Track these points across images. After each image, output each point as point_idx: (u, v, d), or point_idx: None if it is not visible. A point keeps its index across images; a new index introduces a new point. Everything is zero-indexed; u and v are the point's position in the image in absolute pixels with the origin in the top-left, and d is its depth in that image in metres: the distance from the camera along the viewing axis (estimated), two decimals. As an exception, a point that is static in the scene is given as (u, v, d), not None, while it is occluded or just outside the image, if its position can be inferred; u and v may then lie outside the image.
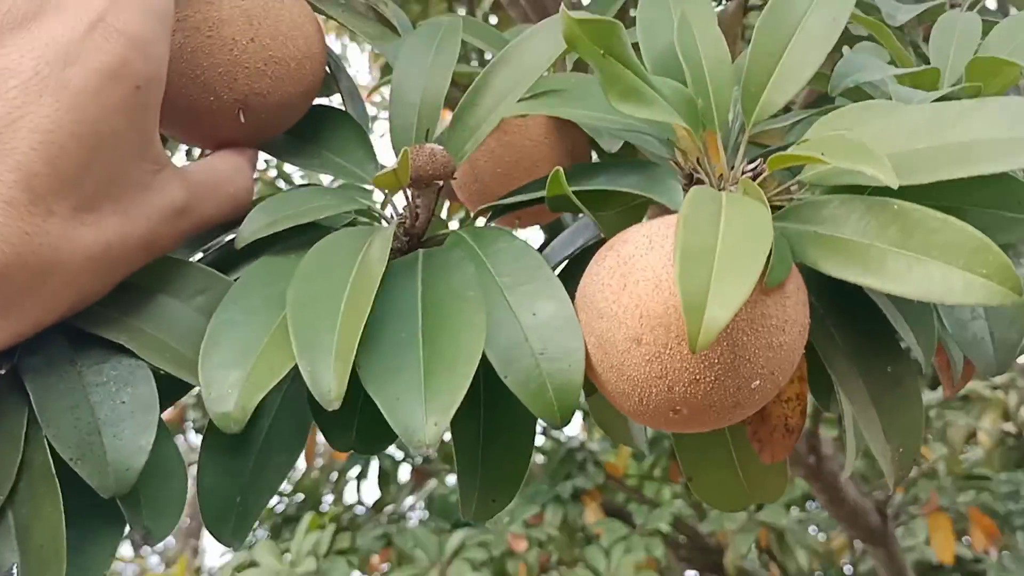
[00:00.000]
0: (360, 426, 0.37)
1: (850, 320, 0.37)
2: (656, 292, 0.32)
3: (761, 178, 0.36)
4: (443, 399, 0.30)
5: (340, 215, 0.38)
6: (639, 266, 0.33)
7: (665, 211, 0.37)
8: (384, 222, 0.40)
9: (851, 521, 1.36)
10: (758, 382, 0.33)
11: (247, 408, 0.30)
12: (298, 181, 2.22)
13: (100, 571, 0.32)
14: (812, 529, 2.62)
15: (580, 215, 0.44)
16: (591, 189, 0.36)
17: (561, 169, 0.34)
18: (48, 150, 0.29)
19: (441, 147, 0.38)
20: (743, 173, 0.36)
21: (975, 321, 0.38)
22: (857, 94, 0.42)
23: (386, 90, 0.49)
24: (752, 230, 0.31)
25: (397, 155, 0.39)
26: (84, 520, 0.32)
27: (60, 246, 0.31)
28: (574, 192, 0.35)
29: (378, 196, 0.41)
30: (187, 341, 0.34)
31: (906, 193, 0.31)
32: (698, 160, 0.37)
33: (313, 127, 0.42)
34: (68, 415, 0.32)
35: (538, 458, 2.39)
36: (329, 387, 0.29)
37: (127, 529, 0.33)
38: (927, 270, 0.31)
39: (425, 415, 0.30)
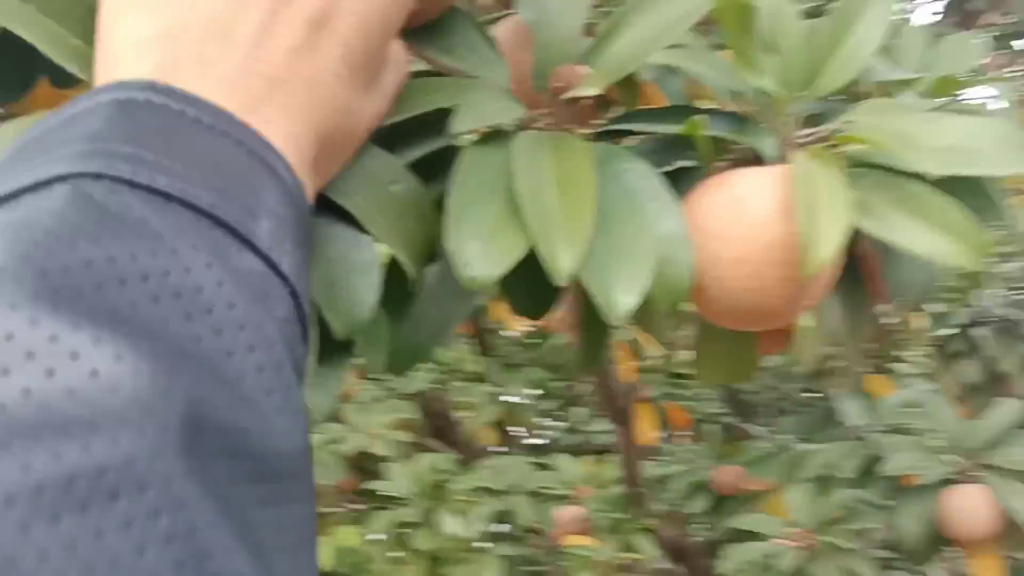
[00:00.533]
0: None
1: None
2: (765, 228, 0.44)
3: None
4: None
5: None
6: (752, 206, 0.44)
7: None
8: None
9: (610, 402, 1.60)
10: (808, 301, 0.46)
11: (493, 275, 0.38)
12: None
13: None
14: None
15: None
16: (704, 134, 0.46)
17: (700, 118, 0.44)
18: (361, 29, 0.34)
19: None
20: (807, 142, 0.49)
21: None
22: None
23: None
24: (837, 191, 0.43)
25: (542, 72, 0.47)
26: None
27: (362, 116, 0.36)
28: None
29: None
30: (395, 219, 0.40)
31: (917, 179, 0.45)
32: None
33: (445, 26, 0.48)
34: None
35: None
36: (565, 265, 0.38)
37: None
38: (920, 228, 0.45)
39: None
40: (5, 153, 0.27)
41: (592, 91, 0.46)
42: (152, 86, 0.27)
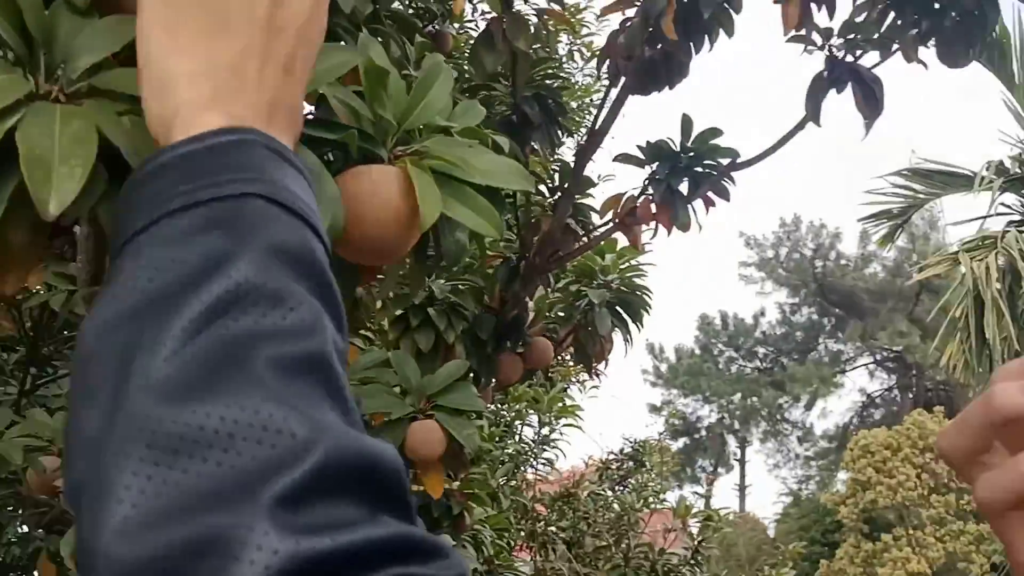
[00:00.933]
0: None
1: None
2: (392, 200, 0.74)
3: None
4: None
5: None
6: (383, 187, 0.74)
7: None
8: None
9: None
10: (407, 248, 0.78)
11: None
12: None
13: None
14: None
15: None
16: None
17: (351, 132, 0.73)
18: (307, 70, 0.54)
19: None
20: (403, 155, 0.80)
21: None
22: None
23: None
24: (431, 185, 0.76)
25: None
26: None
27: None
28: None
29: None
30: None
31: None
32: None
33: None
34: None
35: None
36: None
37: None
38: (469, 213, 0.80)
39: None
40: (146, 167, 0.45)
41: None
42: (253, 131, 0.47)
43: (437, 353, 1.98)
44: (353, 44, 0.80)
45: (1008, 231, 11.73)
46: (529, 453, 5.46)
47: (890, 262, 27.14)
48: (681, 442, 28.03)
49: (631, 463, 7.09)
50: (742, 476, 29.71)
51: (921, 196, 13.10)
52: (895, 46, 1.84)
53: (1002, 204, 12.73)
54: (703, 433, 29.99)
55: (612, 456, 6.80)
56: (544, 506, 5.39)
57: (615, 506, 5.97)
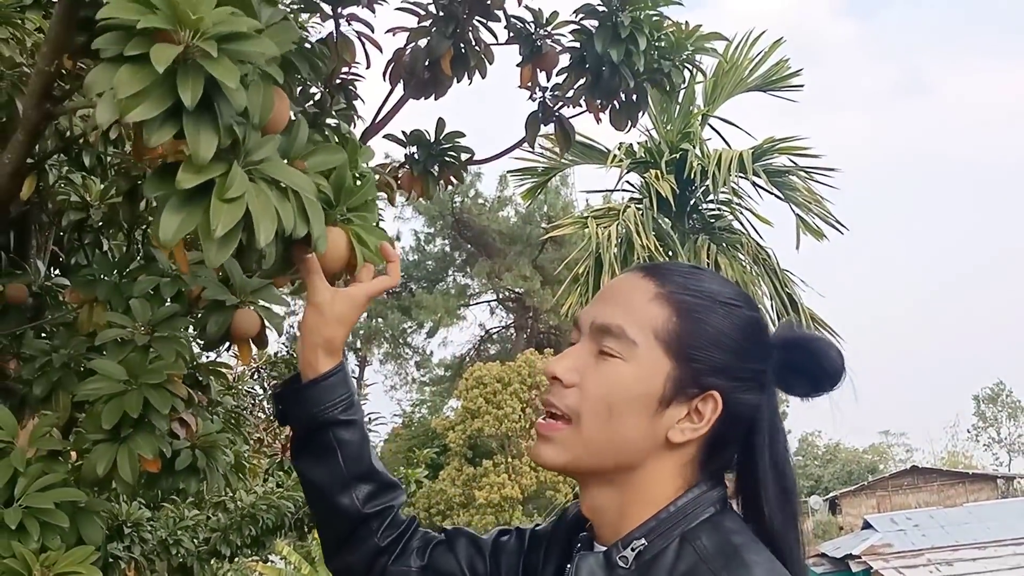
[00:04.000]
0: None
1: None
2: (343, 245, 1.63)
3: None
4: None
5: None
6: (337, 237, 1.64)
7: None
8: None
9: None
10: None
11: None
12: None
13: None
14: None
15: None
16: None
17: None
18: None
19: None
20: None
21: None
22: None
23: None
24: (371, 234, 1.67)
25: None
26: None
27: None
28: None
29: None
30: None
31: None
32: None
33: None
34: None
35: None
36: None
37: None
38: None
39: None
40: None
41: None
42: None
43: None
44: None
45: (629, 206, 14.11)
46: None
47: (523, 209, 29.67)
48: (301, 358, 28.87)
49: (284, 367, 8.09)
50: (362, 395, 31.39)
51: (563, 161, 15.17)
52: (583, 107, 2.95)
53: (627, 182, 15.18)
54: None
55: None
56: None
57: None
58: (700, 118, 14.91)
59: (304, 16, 2.72)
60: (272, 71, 1.11)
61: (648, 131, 15.05)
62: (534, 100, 2.96)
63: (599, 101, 2.91)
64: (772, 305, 14.12)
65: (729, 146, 14.66)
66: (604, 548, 1.12)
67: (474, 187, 30.37)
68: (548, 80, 2.95)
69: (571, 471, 1.14)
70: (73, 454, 2.29)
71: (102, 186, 2.75)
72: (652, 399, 1.09)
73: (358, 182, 1.42)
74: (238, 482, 3.21)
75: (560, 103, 2.97)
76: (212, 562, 4.49)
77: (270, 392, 7.73)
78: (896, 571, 21.43)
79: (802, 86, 14.76)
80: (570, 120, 3.00)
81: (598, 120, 2.91)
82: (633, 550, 1.09)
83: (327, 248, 1.23)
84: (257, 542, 4.65)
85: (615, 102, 2.92)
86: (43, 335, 2.66)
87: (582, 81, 2.88)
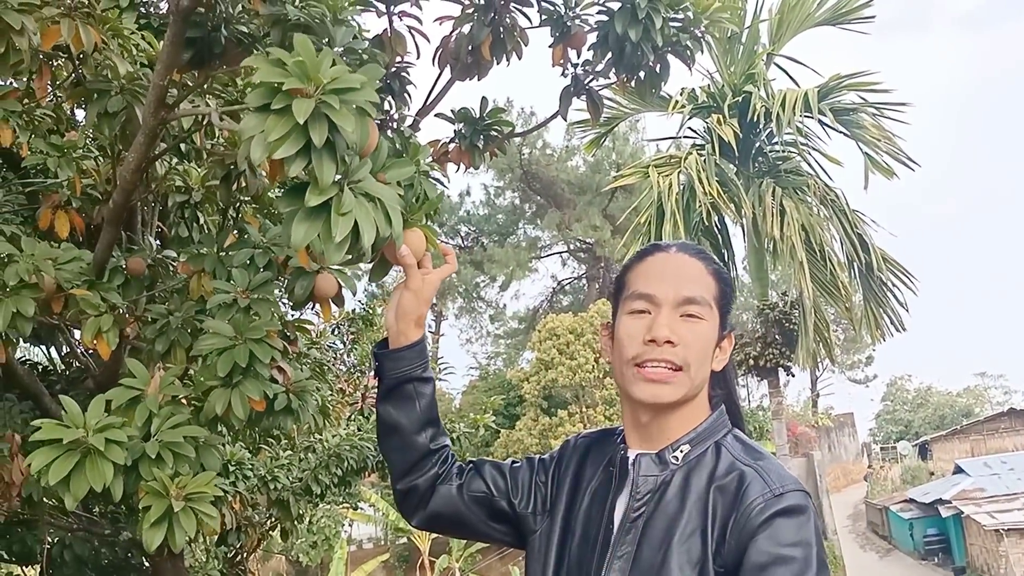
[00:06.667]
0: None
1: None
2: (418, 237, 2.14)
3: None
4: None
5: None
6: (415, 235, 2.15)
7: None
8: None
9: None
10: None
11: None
12: None
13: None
14: None
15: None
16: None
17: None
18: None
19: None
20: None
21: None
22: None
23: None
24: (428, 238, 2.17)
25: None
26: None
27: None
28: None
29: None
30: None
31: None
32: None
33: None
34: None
35: None
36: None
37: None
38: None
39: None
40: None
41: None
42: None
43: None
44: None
45: (691, 154, 14.37)
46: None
47: (591, 158, 29.74)
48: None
49: (361, 323, 8.72)
50: (435, 350, 32.32)
51: (626, 110, 15.45)
52: (612, 79, 3.41)
53: (689, 128, 15.39)
54: (401, 306, 31.85)
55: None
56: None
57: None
58: (764, 57, 14.98)
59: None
60: (370, 109, 1.53)
61: (711, 74, 15.21)
62: (566, 76, 3.42)
63: (623, 76, 3.36)
64: (842, 247, 14.30)
65: (798, 85, 14.70)
66: (654, 451, 1.58)
67: (541, 138, 30.62)
68: (579, 57, 3.41)
69: (676, 403, 1.57)
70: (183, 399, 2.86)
71: (202, 172, 3.31)
72: (714, 344, 1.60)
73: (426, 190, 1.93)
74: (324, 423, 3.78)
75: (590, 77, 3.43)
76: (305, 499, 5.12)
77: (347, 347, 8.46)
78: (989, 515, 21.38)
79: (873, 17, 14.65)
80: (597, 91, 3.46)
81: (624, 91, 3.36)
82: (681, 452, 1.56)
83: (413, 245, 1.64)
84: (344, 481, 5.27)
85: (640, 74, 3.38)
86: (155, 300, 3.23)
87: (608, 57, 3.34)
